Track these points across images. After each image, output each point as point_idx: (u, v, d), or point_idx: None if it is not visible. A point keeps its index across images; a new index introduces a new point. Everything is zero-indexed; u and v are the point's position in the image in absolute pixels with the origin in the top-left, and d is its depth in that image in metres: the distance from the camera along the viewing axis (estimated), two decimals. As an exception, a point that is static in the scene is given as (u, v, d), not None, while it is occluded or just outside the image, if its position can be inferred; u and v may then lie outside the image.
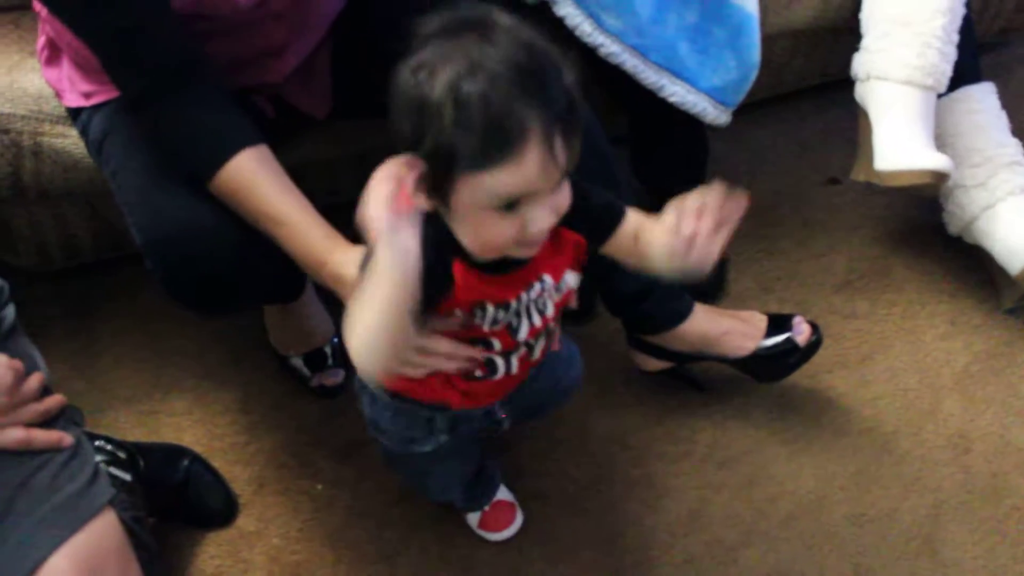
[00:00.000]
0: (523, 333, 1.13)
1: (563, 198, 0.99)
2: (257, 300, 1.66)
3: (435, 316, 1.08)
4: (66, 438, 1.12)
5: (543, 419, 1.48)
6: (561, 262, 1.12)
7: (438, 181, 0.94)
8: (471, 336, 1.12)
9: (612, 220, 1.15)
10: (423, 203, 0.97)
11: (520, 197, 0.94)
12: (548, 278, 1.10)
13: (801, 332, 1.58)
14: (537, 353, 1.18)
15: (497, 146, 0.91)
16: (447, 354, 1.12)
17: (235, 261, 1.30)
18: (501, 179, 0.92)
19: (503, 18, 0.94)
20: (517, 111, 0.90)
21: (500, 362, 1.16)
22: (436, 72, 0.91)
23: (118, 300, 1.81)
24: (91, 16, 1.22)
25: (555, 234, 1.08)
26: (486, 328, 1.10)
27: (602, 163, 1.48)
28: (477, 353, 1.13)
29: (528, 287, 1.09)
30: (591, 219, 1.12)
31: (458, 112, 0.90)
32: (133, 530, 1.16)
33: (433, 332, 1.10)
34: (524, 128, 0.91)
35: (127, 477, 1.30)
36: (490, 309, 1.08)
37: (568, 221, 1.03)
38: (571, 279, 1.14)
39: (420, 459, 1.33)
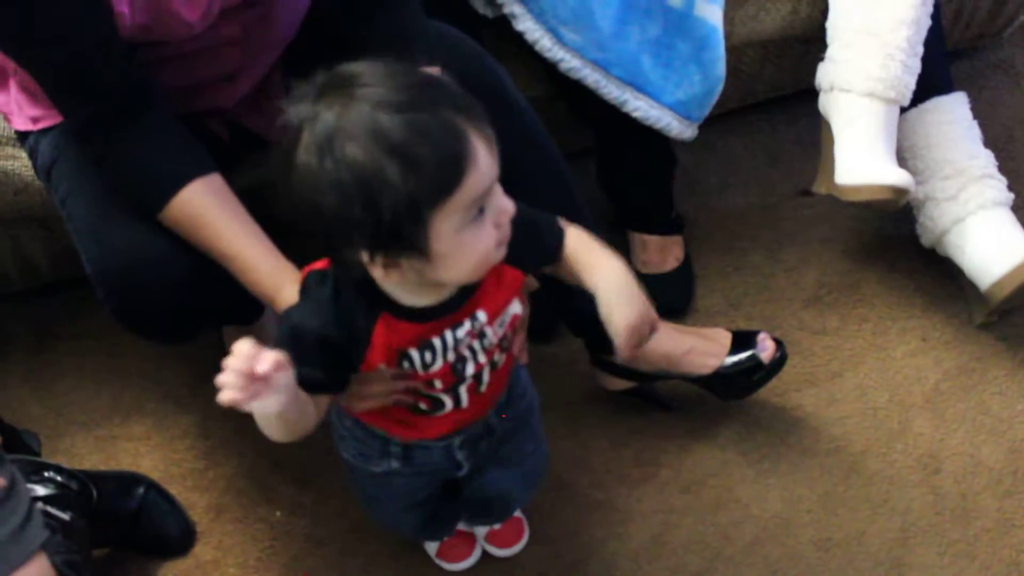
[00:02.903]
0: (470, 369, 1.11)
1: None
2: (212, 325, 1.63)
3: (360, 376, 1.07)
4: (-1, 480, 1.10)
5: (497, 513, 1.46)
6: (503, 296, 1.10)
7: (409, 239, 0.91)
8: (411, 382, 1.09)
9: (553, 246, 1.13)
10: (393, 277, 0.96)
11: (483, 195, 0.93)
12: (482, 314, 1.07)
13: (765, 349, 1.55)
14: (484, 386, 1.15)
15: (453, 165, 0.90)
16: (382, 392, 1.09)
17: (188, 290, 1.28)
18: (468, 189, 0.91)
19: (348, 68, 0.92)
20: (446, 122, 0.89)
21: (446, 398, 1.13)
22: (341, 145, 0.89)
23: (78, 322, 1.78)
24: (35, 48, 1.19)
25: (497, 272, 1.06)
26: (422, 373, 1.07)
27: (556, 177, 1.46)
28: (418, 384, 1.10)
29: (456, 326, 1.06)
30: (535, 242, 1.11)
31: (401, 161, 0.88)
32: (65, 574, 1.13)
33: (361, 381, 1.08)
34: (461, 133, 0.90)
35: (65, 516, 1.27)
36: (414, 354, 1.05)
37: (513, 248, 1.01)
38: (516, 307, 1.12)
39: (372, 479, 1.30)
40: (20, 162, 1.52)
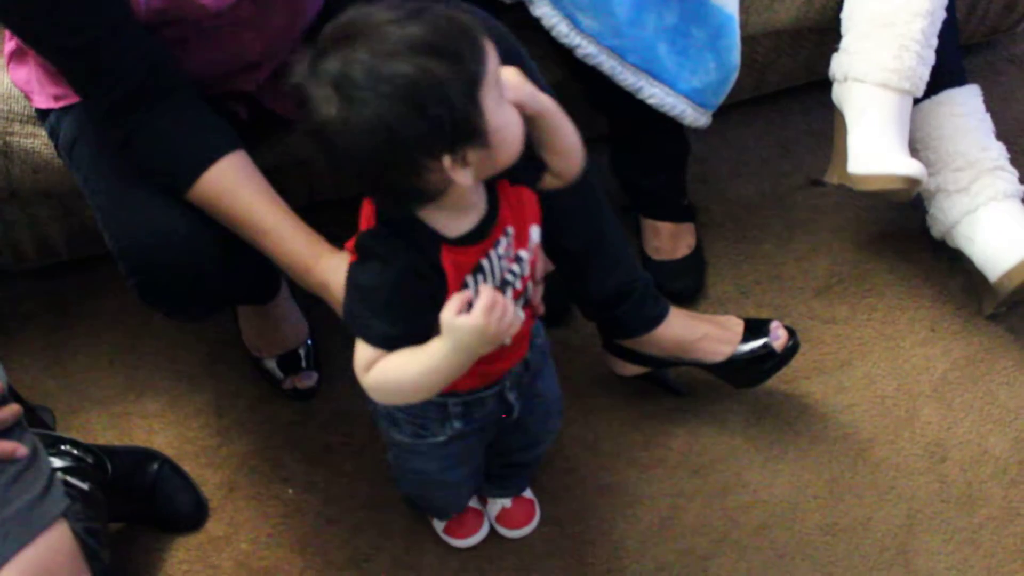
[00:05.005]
0: (509, 295, 1.14)
1: None
2: (232, 302, 1.65)
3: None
4: (20, 449, 1.11)
5: (534, 448, 1.47)
6: (523, 213, 1.14)
7: (474, 124, 0.97)
8: None
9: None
10: (469, 177, 1.01)
11: (498, 70, 1.01)
12: (511, 229, 1.12)
13: (778, 338, 1.56)
14: (522, 315, 1.18)
15: (477, 44, 0.98)
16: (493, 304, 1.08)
17: (210, 266, 1.29)
18: (492, 62, 0.99)
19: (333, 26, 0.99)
20: (449, 14, 0.97)
21: None
22: (375, 71, 0.94)
23: (94, 299, 1.80)
24: (52, 35, 1.20)
25: (512, 192, 1.12)
26: None
27: None
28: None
29: (496, 244, 1.10)
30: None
31: (442, 56, 0.95)
32: (86, 542, 1.15)
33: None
34: (463, 18, 0.98)
35: (84, 486, 1.29)
36: (469, 280, 1.09)
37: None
38: (536, 234, 1.17)
39: (427, 456, 1.32)
40: (40, 140, 1.53)
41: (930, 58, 1.62)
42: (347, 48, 0.95)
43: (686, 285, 1.80)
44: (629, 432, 1.64)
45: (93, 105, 1.27)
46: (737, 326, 1.58)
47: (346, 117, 0.96)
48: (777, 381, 1.64)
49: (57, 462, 1.35)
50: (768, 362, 1.57)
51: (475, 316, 0.99)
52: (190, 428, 1.66)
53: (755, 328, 1.57)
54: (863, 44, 1.64)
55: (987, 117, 1.75)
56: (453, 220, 1.07)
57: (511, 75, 1.07)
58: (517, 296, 1.16)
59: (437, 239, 1.06)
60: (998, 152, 1.72)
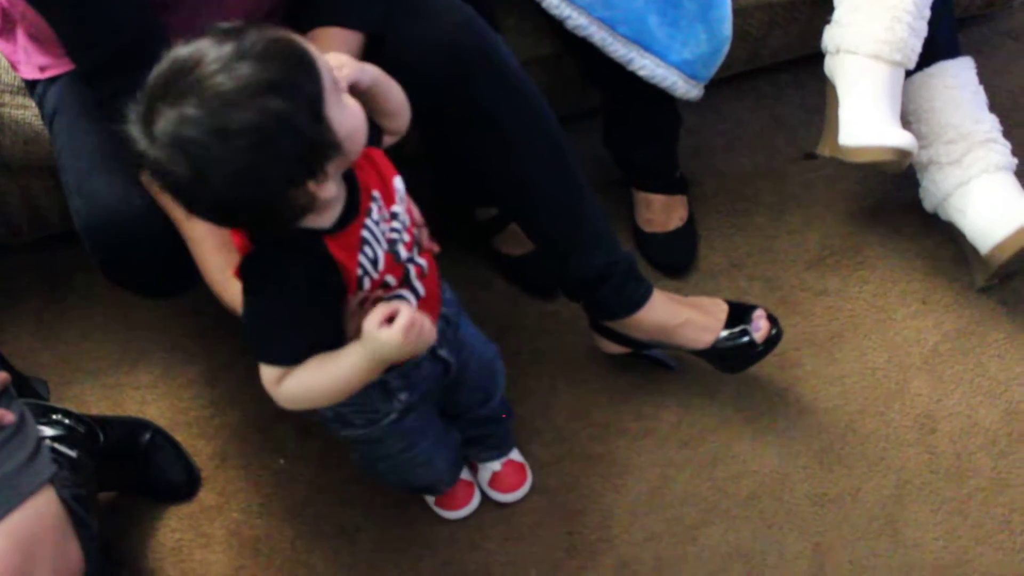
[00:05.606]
0: (402, 250, 1.15)
1: None
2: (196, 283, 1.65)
3: (347, 308, 1.12)
4: (7, 416, 1.12)
5: (494, 397, 1.46)
6: (383, 173, 1.15)
7: (324, 139, 0.98)
8: (374, 293, 1.14)
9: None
10: (333, 187, 1.02)
11: (332, 73, 1.02)
12: (376, 193, 1.12)
13: (759, 329, 1.53)
14: (424, 262, 1.20)
15: (304, 60, 0.97)
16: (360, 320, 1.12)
17: (163, 250, 1.29)
18: (324, 70, 0.99)
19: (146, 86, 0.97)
20: (266, 36, 0.96)
21: (406, 292, 1.17)
22: (220, 123, 0.93)
23: (87, 272, 1.79)
24: None
25: (364, 157, 1.11)
26: (376, 276, 1.12)
27: (548, 141, 1.46)
28: (379, 292, 1.14)
29: (367, 213, 1.10)
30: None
31: (277, 90, 0.94)
32: (73, 508, 1.15)
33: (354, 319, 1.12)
34: (282, 36, 0.98)
35: (72, 454, 1.29)
36: (362, 259, 1.10)
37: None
38: (399, 182, 1.18)
39: (392, 439, 1.33)
40: (30, 111, 1.53)
41: (922, 30, 1.62)
42: (178, 104, 0.93)
43: (678, 257, 1.80)
44: (619, 403, 1.65)
45: (80, 60, 1.27)
46: (721, 311, 1.55)
47: (200, 174, 0.94)
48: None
49: (49, 431, 1.36)
50: (749, 350, 1.55)
51: (395, 332, 1.03)
52: (182, 399, 1.67)
53: (739, 314, 1.55)
54: (855, 16, 1.63)
55: (980, 89, 1.75)
56: (323, 213, 1.07)
57: (335, 60, 1.08)
58: (410, 247, 1.17)
59: (316, 235, 1.06)
60: (991, 124, 1.72)
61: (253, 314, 1.09)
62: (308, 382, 1.09)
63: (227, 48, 0.94)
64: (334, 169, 1.01)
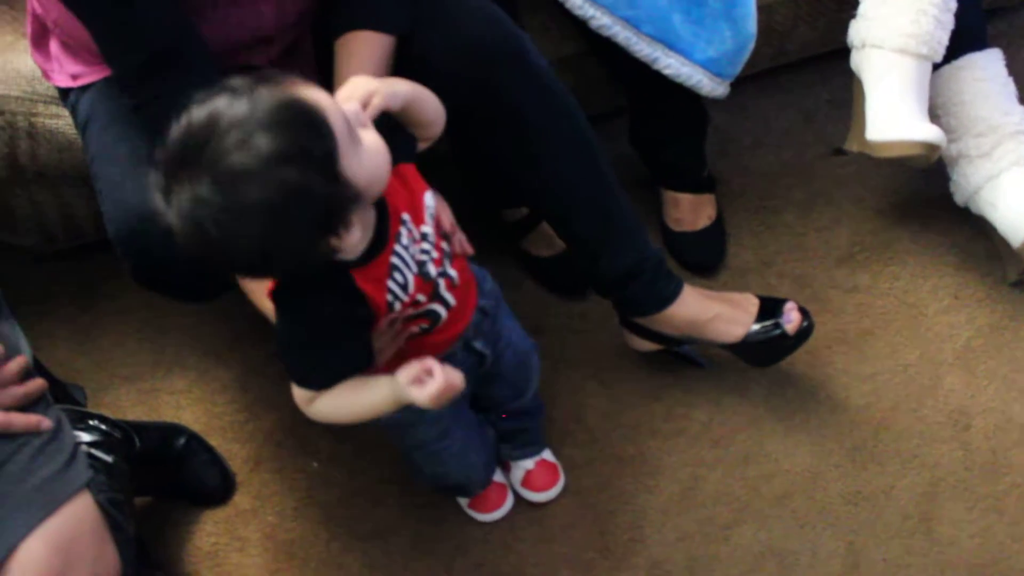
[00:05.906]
0: (432, 269, 1.16)
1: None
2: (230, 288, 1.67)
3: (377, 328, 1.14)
4: (44, 421, 1.14)
5: (522, 395, 1.47)
6: (412, 190, 1.15)
7: (344, 196, 0.98)
8: (406, 312, 1.15)
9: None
10: (357, 232, 1.03)
11: (347, 119, 1.01)
12: (405, 216, 1.12)
13: (791, 321, 1.52)
14: (455, 273, 1.20)
15: (315, 121, 0.96)
16: (391, 339, 1.16)
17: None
18: (337, 122, 0.97)
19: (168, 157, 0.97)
20: (276, 99, 0.95)
21: (436, 307, 1.19)
22: (239, 200, 0.93)
23: (121, 279, 1.80)
24: None
25: (394, 175, 1.10)
26: (406, 299, 1.13)
27: (579, 142, 1.47)
28: (410, 310, 1.16)
29: (397, 237, 1.11)
30: (398, 131, 1.16)
31: (291, 160, 0.94)
32: (109, 513, 1.17)
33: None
34: (291, 95, 0.97)
35: (108, 459, 1.31)
36: (392, 285, 1.11)
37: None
38: (430, 198, 1.18)
39: (427, 423, 1.34)
40: (64, 120, 1.56)
41: (949, 22, 1.61)
42: (193, 182, 0.94)
43: (707, 256, 1.80)
44: (650, 403, 1.65)
45: (116, 65, 1.27)
46: (752, 305, 1.56)
47: (220, 246, 0.96)
48: (799, 350, 1.62)
49: (85, 436, 1.37)
50: (781, 343, 1.55)
51: (424, 397, 1.05)
52: (217, 404, 1.69)
53: (770, 307, 1.55)
54: (880, 10, 1.62)
55: (1010, 81, 1.73)
56: (353, 248, 1.07)
57: (364, 89, 1.08)
58: (440, 263, 1.17)
59: (344, 268, 1.07)
60: (1020, 116, 1.70)
61: (285, 339, 1.12)
62: (337, 405, 1.12)
63: (239, 111, 0.94)
64: (357, 217, 1.02)
